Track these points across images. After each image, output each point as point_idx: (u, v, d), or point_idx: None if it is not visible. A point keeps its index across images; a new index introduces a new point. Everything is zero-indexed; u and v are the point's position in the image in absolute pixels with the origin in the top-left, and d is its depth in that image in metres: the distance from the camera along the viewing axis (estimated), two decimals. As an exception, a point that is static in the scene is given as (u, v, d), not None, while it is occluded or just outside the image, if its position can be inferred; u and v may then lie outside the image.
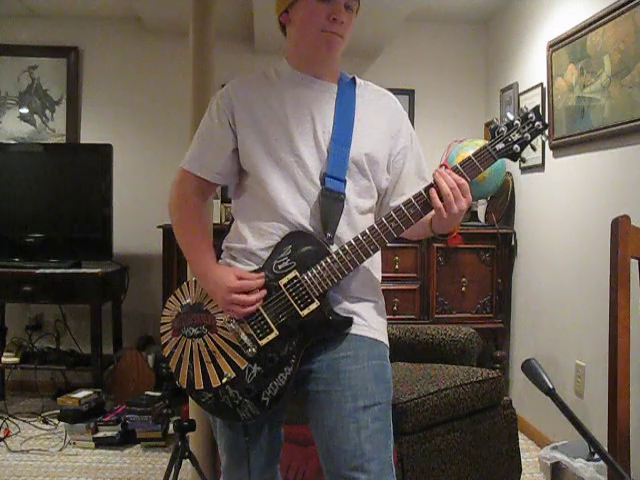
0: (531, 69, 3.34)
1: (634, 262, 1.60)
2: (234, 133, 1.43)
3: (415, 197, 1.34)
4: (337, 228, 1.37)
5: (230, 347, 1.39)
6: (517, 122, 1.34)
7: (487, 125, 3.93)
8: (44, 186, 3.67)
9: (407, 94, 3.96)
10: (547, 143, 3.10)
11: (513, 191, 3.58)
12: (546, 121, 1.38)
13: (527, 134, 1.35)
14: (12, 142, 3.91)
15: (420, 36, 4.04)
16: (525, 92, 3.38)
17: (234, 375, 1.38)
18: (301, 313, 1.35)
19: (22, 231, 3.59)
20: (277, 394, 1.36)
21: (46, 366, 3.58)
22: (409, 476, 2.16)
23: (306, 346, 1.36)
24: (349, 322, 1.38)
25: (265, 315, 1.37)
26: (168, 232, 3.52)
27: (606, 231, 1.57)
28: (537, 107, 1.38)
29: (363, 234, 1.33)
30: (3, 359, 3.56)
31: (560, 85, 2.95)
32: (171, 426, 3.03)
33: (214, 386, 1.40)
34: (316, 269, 1.34)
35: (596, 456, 2.28)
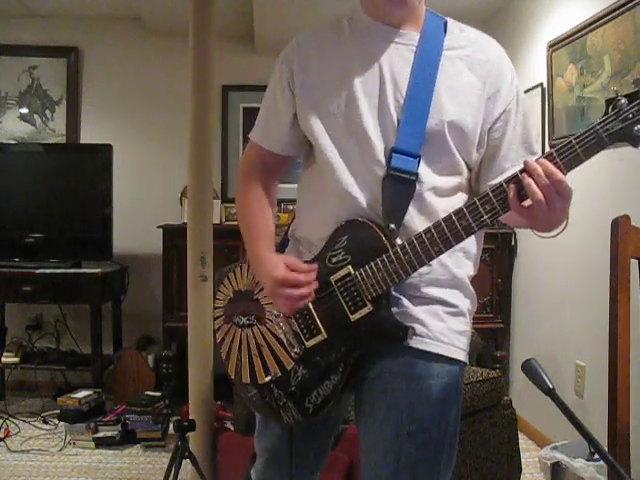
0: (531, 69, 3.34)
1: (634, 262, 1.60)
2: (295, 96, 1.22)
3: (493, 190, 1.04)
4: (405, 217, 1.13)
5: (277, 343, 1.25)
6: None
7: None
8: (44, 186, 3.67)
9: (407, 94, 3.94)
10: (547, 142, 3.10)
11: (513, 191, 3.58)
12: None
13: None
14: (12, 142, 3.91)
15: (420, 36, 4.03)
16: (525, 92, 3.38)
17: (280, 374, 1.24)
18: (351, 317, 1.15)
19: (22, 231, 3.59)
20: (322, 402, 1.20)
21: (46, 366, 3.57)
22: (409, 476, 2.16)
23: (357, 355, 1.18)
24: (407, 333, 1.14)
25: (314, 313, 1.19)
26: (168, 232, 3.52)
27: (606, 231, 1.57)
28: None
29: (427, 231, 1.08)
30: (3, 359, 3.55)
31: (560, 85, 2.95)
32: (171, 426, 3.03)
33: (260, 382, 1.27)
34: (371, 268, 1.12)
35: (596, 456, 2.28)
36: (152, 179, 3.97)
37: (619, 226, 1.54)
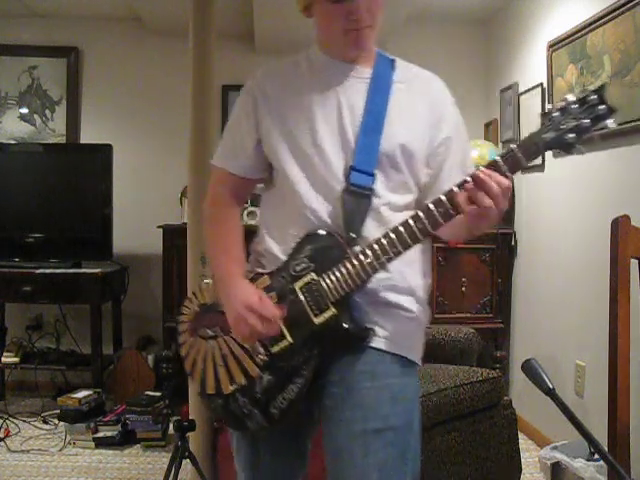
0: (531, 69, 3.34)
1: (634, 262, 1.60)
2: (259, 123, 1.32)
3: (446, 194, 1.15)
4: (363, 228, 1.22)
5: (242, 351, 1.29)
6: (574, 106, 1.08)
7: (487, 125, 3.93)
8: (44, 186, 3.67)
9: (407, 94, 3.95)
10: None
11: (513, 191, 3.58)
12: (613, 105, 1.08)
13: (586, 120, 1.07)
14: (12, 142, 3.92)
15: (420, 36, 4.03)
16: (525, 92, 3.38)
17: (244, 382, 1.28)
18: (315, 320, 1.21)
19: (22, 231, 3.59)
20: (287, 407, 1.24)
21: (46, 366, 3.58)
22: (409, 476, 2.16)
23: (320, 357, 1.23)
24: (368, 334, 1.22)
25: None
26: (168, 232, 3.52)
27: (606, 231, 1.57)
28: (602, 86, 1.10)
29: (385, 235, 1.18)
30: (3, 359, 3.56)
31: (560, 85, 2.95)
32: (171, 426, 3.03)
33: (225, 392, 1.30)
34: (333, 273, 1.20)
35: (596, 456, 2.28)
36: (152, 179, 3.97)
37: (619, 226, 1.54)
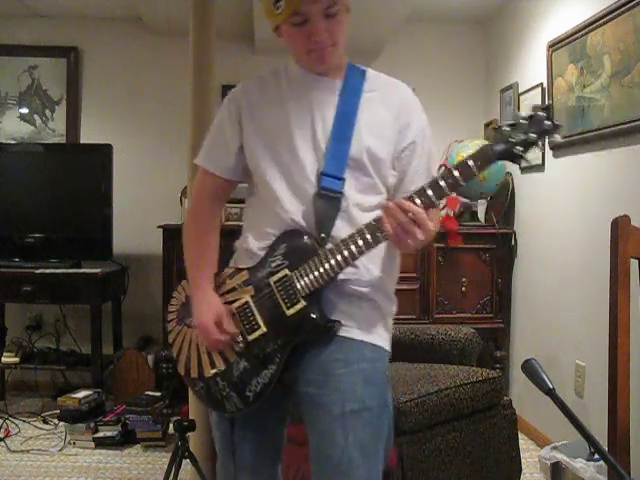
0: (531, 69, 3.34)
1: (634, 262, 1.60)
2: (242, 130, 1.44)
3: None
4: (333, 228, 1.34)
5: None
6: (523, 121, 1.22)
7: (487, 125, 3.93)
8: (44, 186, 3.67)
9: (407, 94, 3.95)
10: (547, 142, 3.10)
11: (513, 191, 3.58)
12: (557, 122, 1.23)
13: (533, 135, 1.21)
14: (12, 142, 3.91)
15: (420, 36, 4.04)
16: (525, 92, 3.38)
17: (224, 367, 1.41)
18: (287, 312, 1.34)
19: (22, 231, 3.59)
20: (260, 391, 1.37)
21: (46, 366, 3.58)
22: (409, 476, 2.16)
23: (292, 346, 1.36)
24: (335, 325, 1.35)
25: (255, 311, 1.38)
26: (168, 232, 3.52)
27: (606, 231, 1.57)
28: (547, 106, 1.26)
29: (351, 236, 1.30)
30: (3, 359, 3.56)
31: (560, 85, 2.95)
32: (171, 426, 3.03)
33: (206, 376, 1.43)
34: (304, 269, 1.33)
35: (596, 456, 2.28)
36: (152, 179, 3.97)
37: (619, 226, 1.54)
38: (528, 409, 3.29)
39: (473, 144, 3.33)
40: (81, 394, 3.18)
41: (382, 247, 1.39)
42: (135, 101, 3.99)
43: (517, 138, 1.21)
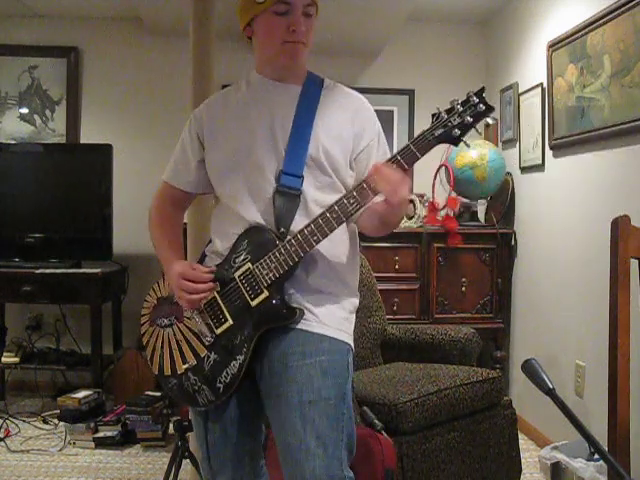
0: (531, 69, 3.34)
1: (634, 262, 1.60)
2: (202, 145, 1.55)
3: (355, 188, 1.38)
4: (292, 223, 1.42)
5: (193, 336, 1.50)
6: (458, 106, 1.30)
7: (487, 126, 3.93)
8: (44, 186, 3.67)
9: (407, 94, 3.95)
10: (547, 142, 3.10)
11: (513, 191, 3.58)
12: (491, 104, 1.32)
13: (468, 117, 1.30)
14: (12, 142, 3.91)
15: (420, 36, 4.03)
16: (525, 92, 3.38)
17: (195, 362, 1.49)
18: (251, 303, 1.42)
19: (22, 231, 3.59)
20: (230, 381, 1.44)
21: (46, 366, 3.58)
22: (409, 476, 2.16)
23: (258, 336, 1.42)
24: (297, 313, 1.41)
25: (222, 306, 1.46)
26: (168, 232, 3.52)
27: (606, 231, 1.57)
28: (481, 89, 1.32)
29: (307, 226, 1.38)
30: (3, 359, 3.56)
31: (560, 85, 2.95)
32: (171, 426, 3.03)
33: (179, 372, 1.51)
34: (265, 262, 1.40)
35: (596, 456, 2.28)
36: (152, 179, 3.93)
37: (619, 226, 1.54)
38: (528, 409, 3.29)
39: (473, 144, 3.33)
40: (81, 394, 3.18)
41: (344, 242, 1.49)
42: (135, 101, 3.99)
43: (454, 122, 1.30)
